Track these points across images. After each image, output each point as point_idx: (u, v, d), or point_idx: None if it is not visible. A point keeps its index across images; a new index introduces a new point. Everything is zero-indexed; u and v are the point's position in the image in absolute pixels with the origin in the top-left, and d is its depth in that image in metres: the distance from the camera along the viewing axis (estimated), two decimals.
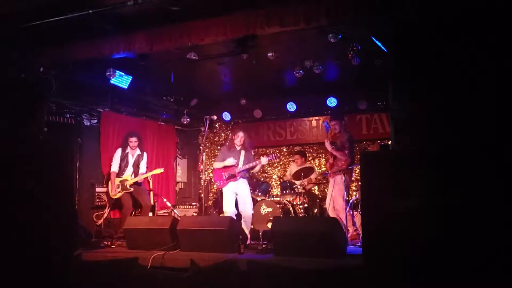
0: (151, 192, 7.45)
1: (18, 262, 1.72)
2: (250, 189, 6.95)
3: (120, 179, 6.74)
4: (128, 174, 6.77)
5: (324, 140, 6.18)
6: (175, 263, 4.50)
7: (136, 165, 6.86)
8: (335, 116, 6.38)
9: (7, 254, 1.70)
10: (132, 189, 6.70)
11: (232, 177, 6.03)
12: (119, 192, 6.70)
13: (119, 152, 6.88)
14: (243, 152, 6.14)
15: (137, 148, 6.91)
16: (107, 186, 6.99)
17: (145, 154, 7.03)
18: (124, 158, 6.83)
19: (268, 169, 9.28)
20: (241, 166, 6.04)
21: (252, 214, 6.39)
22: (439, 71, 3.87)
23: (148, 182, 7.41)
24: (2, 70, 5.14)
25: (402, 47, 4.14)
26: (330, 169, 6.19)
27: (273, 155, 6.29)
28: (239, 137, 6.21)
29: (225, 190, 6.08)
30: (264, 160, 6.10)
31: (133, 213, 6.97)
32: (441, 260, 3.00)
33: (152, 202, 7.30)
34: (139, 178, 6.77)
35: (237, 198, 6.09)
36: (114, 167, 6.80)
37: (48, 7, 4.67)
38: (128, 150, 6.88)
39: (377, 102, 8.06)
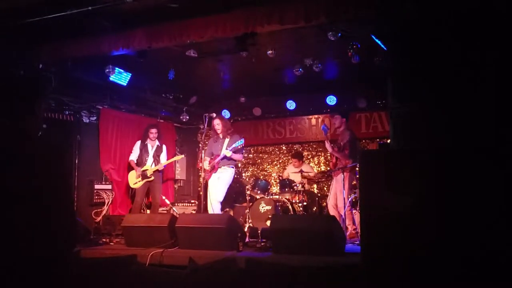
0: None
1: (16, 260, 1.71)
2: (249, 187, 6.95)
3: (142, 169, 6.98)
4: (148, 164, 7.05)
5: (324, 140, 6.19)
6: (173, 261, 4.51)
7: (156, 156, 7.13)
8: (338, 111, 6.42)
9: (5, 252, 1.70)
10: (152, 178, 6.96)
11: (213, 168, 6.12)
12: (139, 181, 6.92)
13: (138, 143, 7.21)
14: (226, 140, 6.22)
15: (157, 140, 7.21)
16: (107, 180, 7.07)
17: (164, 147, 7.31)
18: (143, 148, 7.12)
19: (268, 167, 9.29)
20: (218, 158, 6.15)
21: (251, 212, 6.38)
22: (439, 69, 3.87)
23: None
24: (1, 67, 5.13)
25: (402, 46, 4.13)
26: (333, 168, 6.24)
27: (239, 146, 6.14)
28: (216, 124, 6.33)
29: (209, 182, 6.19)
30: (227, 152, 6.07)
31: (141, 210, 7.09)
32: (439, 259, 3.01)
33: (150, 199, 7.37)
34: (160, 166, 7.05)
35: None
36: (133, 156, 7.14)
37: (47, 4, 4.65)
38: (148, 141, 7.17)
39: (377, 101, 8.06)
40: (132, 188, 7.14)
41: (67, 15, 4.70)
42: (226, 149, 6.15)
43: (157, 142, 7.21)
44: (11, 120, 1.87)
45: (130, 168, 7.23)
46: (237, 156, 6.19)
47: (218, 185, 6.10)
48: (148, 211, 7.20)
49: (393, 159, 3.48)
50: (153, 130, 7.18)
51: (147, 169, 6.99)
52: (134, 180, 7.01)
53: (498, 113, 3.52)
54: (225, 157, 6.10)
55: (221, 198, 6.09)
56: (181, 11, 4.75)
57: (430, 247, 3.07)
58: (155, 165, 7.05)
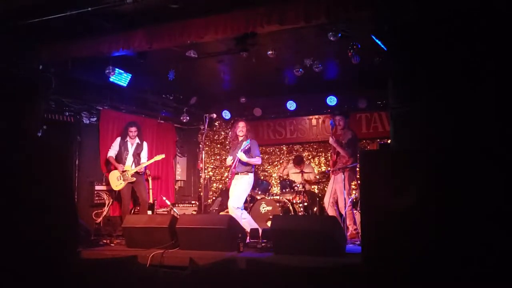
0: (151, 191, 7.48)
1: (18, 262, 1.71)
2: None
3: (121, 170, 6.80)
4: (128, 164, 6.85)
5: (326, 137, 6.18)
6: (174, 262, 4.50)
7: (137, 155, 6.94)
8: (341, 112, 6.41)
9: (7, 254, 1.70)
10: (134, 179, 6.77)
11: (232, 174, 6.00)
12: (121, 183, 6.76)
13: (118, 140, 6.99)
14: (244, 143, 5.95)
15: (137, 137, 7.00)
16: (107, 181, 7.04)
17: (145, 144, 7.11)
18: (122, 146, 6.91)
19: (268, 167, 9.29)
20: (235, 162, 5.93)
21: (252, 212, 6.34)
22: (439, 69, 3.87)
23: (147, 180, 7.43)
24: (0, 67, 5.13)
25: (402, 46, 4.13)
26: (332, 167, 6.23)
27: (246, 147, 5.90)
28: (240, 127, 6.10)
29: (230, 188, 6.02)
30: (239, 154, 5.85)
31: (133, 210, 7.01)
32: (440, 260, 3.00)
33: (151, 200, 7.34)
34: (140, 167, 6.86)
35: None
36: (111, 152, 6.91)
37: (48, 4, 4.66)
38: (128, 139, 6.97)
39: (377, 101, 8.07)
40: (115, 191, 6.93)
41: (67, 16, 4.70)
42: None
43: (137, 140, 7.00)
44: (11, 120, 1.87)
45: (108, 167, 7.00)
46: (254, 160, 5.95)
47: (235, 191, 5.92)
48: (149, 212, 7.16)
49: (394, 159, 3.47)
50: (132, 129, 6.94)
51: (127, 170, 6.79)
52: (115, 182, 6.80)
53: (498, 113, 3.52)
54: (240, 160, 5.88)
55: (237, 204, 5.84)
56: (181, 12, 4.75)
57: (430, 247, 3.07)
58: (135, 165, 6.84)
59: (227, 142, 6.37)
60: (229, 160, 6.09)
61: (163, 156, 7.12)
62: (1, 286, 1.65)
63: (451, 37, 3.81)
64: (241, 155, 5.83)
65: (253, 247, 5.17)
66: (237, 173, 5.97)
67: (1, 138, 1.80)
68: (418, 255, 3.09)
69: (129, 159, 6.88)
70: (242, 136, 6.08)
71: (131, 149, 6.94)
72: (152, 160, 7.04)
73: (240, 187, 5.93)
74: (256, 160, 6.02)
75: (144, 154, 7.01)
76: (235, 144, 6.16)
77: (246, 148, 5.87)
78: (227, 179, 6.15)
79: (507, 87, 3.53)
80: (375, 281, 3.15)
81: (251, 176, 6.01)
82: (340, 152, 6.02)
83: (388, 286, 3.11)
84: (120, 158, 6.87)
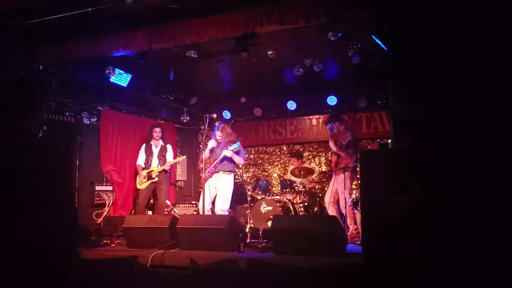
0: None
1: (17, 262, 1.71)
2: (250, 188, 6.92)
3: (147, 170, 6.99)
4: (154, 165, 7.03)
5: (327, 137, 6.19)
6: (174, 262, 4.51)
7: (162, 156, 7.10)
8: (332, 119, 6.37)
9: (6, 253, 1.70)
10: (157, 179, 6.94)
11: (211, 172, 6.01)
12: (145, 182, 6.93)
13: (143, 146, 7.21)
14: (233, 145, 6.06)
15: (161, 139, 7.19)
16: (107, 181, 7.11)
17: (169, 147, 7.29)
18: (147, 150, 7.12)
19: (268, 167, 9.28)
20: (218, 160, 6.00)
21: (253, 213, 6.32)
22: (439, 69, 3.87)
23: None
24: (1, 68, 5.13)
25: (402, 46, 4.13)
26: (334, 167, 6.24)
27: (235, 150, 6.00)
28: (218, 135, 6.16)
29: (205, 185, 6.02)
30: (227, 152, 5.93)
31: (133, 210, 7.06)
32: (440, 259, 3.00)
33: (151, 200, 7.37)
34: (165, 166, 7.00)
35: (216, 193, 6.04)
36: (140, 161, 7.14)
37: (48, 5, 4.66)
38: (152, 142, 7.16)
39: (377, 101, 8.06)
40: (138, 189, 7.11)
41: (68, 17, 4.70)
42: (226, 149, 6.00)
43: (161, 142, 7.17)
44: (11, 120, 1.88)
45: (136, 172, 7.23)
46: (238, 159, 6.04)
47: (221, 194, 5.96)
48: (150, 212, 7.18)
49: (394, 159, 3.48)
50: (157, 129, 7.18)
51: (152, 170, 6.97)
52: (139, 182, 7.01)
53: (498, 113, 3.52)
54: (225, 157, 5.96)
55: (226, 207, 5.92)
56: (181, 12, 4.75)
57: (430, 247, 3.07)
58: (161, 166, 7.01)
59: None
60: (206, 153, 6.08)
61: (184, 157, 7.44)
62: (0, 286, 1.65)
63: (451, 37, 3.81)
64: (227, 152, 5.88)
65: (254, 247, 5.18)
66: (218, 172, 5.99)
67: (1, 138, 1.80)
68: (418, 255, 3.09)
69: (155, 160, 7.06)
70: (221, 141, 6.11)
71: (155, 151, 7.12)
72: (175, 161, 7.26)
73: (226, 189, 5.98)
74: (240, 160, 6.10)
75: (169, 155, 7.17)
76: (217, 144, 6.20)
77: (234, 150, 5.95)
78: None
79: (508, 87, 3.53)
80: (375, 281, 3.15)
81: (233, 176, 6.12)
82: (341, 155, 6.06)
83: (388, 286, 3.11)
84: (147, 163, 7.07)
